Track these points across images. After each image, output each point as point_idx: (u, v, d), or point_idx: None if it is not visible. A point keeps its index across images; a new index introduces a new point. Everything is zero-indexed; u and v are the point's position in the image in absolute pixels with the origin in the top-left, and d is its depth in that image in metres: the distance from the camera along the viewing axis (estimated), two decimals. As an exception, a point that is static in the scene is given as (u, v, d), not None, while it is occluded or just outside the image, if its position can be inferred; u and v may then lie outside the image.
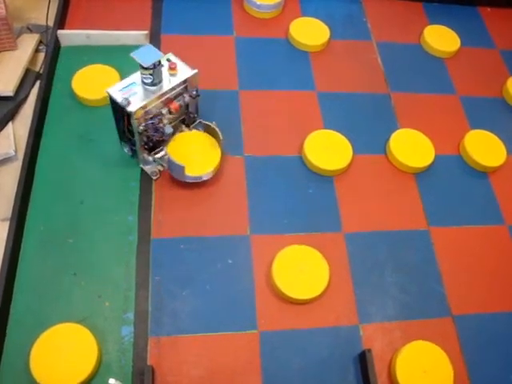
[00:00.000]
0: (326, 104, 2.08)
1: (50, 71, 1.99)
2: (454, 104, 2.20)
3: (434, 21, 2.48)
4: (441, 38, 2.38)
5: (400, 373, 1.50)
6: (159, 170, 1.78)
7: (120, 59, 2.06)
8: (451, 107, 2.19)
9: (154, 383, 1.42)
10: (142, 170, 1.80)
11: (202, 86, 2.04)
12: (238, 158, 1.88)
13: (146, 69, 1.53)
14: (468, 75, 2.32)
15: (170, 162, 1.66)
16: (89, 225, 1.68)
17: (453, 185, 1.95)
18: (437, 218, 1.85)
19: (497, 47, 2.47)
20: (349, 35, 2.37)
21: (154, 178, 1.76)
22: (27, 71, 2.03)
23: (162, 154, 1.77)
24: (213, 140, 1.80)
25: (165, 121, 1.67)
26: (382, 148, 2.00)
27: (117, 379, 1.40)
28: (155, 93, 1.59)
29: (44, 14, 2.15)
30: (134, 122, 1.57)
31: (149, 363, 1.46)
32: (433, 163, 1.96)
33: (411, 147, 1.97)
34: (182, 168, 1.65)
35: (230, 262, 1.65)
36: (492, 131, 2.10)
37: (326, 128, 1.99)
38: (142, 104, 1.55)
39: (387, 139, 1.99)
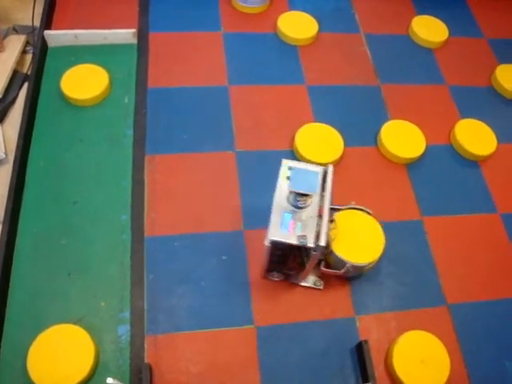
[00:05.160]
0: (316, 97, 2.08)
1: (37, 72, 1.97)
2: (443, 94, 2.21)
3: (422, 11, 2.48)
4: (429, 29, 2.38)
5: (397, 363, 1.51)
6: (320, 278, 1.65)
7: (108, 58, 2.06)
8: (441, 97, 2.20)
9: (151, 381, 1.42)
10: (134, 167, 1.80)
11: (192, 82, 2.05)
12: (230, 153, 1.88)
13: (306, 195, 1.35)
14: (457, 65, 2.33)
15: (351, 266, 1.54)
16: (82, 225, 1.67)
17: (444, 174, 1.96)
18: (429, 208, 1.85)
19: (485, 36, 2.48)
20: (337, 28, 2.36)
21: (321, 287, 1.64)
22: (15, 73, 2.01)
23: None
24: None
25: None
26: (373, 140, 2.00)
27: (115, 378, 1.40)
28: (313, 212, 1.39)
29: (30, 15, 2.14)
30: (318, 254, 1.38)
31: (146, 361, 1.46)
32: (424, 153, 1.97)
33: (402, 138, 1.97)
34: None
35: (224, 258, 1.65)
36: (482, 120, 2.10)
37: (316, 121, 1.98)
38: (315, 232, 1.36)
39: (378, 131, 2.00)
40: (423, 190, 1.90)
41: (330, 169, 1.46)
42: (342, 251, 1.55)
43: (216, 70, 2.10)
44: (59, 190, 1.74)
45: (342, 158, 1.91)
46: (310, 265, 1.47)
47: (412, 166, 1.96)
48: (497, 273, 1.75)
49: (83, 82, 1.93)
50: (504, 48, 2.43)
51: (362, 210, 1.66)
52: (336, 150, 1.90)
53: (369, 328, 1.60)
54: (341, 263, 1.56)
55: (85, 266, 1.60)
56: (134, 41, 2.12)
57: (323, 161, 1.86)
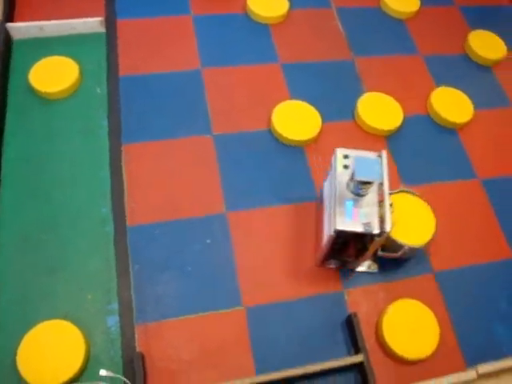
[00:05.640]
0: (291, 75, 2.07)
1: (4, 67, 1.92)
2: (417, 64, 2.21)
3: (392, -18, 2.47)
4: (399, -1, 2.38)
5: (387, 332, 1.52)
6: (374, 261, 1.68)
7: (77, 49, 2.02)
8: (415, 67, 2.20)
9: (144, 370, 1.42)
10: (111, 157, 1.77)
11: (164, 68, 2.02)
12: (207, 137, 1.86)
13: (368, 183, 1.38)
14: (429, 34, 2.32)
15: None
16: (62, 220, 1.65)
17: (423, 143, 1.97)
18: (410, 177, 1.86)
19: (455, 3, 2.48)
20: (308, 4, 2.34)
21: (376, 270, 1.67)
22: (-19, 69, 1.97)
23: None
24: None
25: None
26: (351, 114, 2.00)
27: (108, 370, 1.40)
28: (373, 198, 1.43)
29: (-9, 9, 2.08)
30: (381, 239, 1.42)
31: (138, 351, 1.45)
32: (402, 124, 1.97)
33: (379, 110, 1.97)
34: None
35: (208, 241, 1.64)
36: (457, 87, 2.11)
37: (292, 99, 1.97)
38: (378, 218, 1.40)
39: (355, 104, 1.99)
40: (403, 160, 1.90)
41: (384, 154, 1.48)
42: (398, 235, 1.56)
43: (187, 53, 2.07)
44: (36, 187, 1.71)
45: (320, 133, 1.90)
46: (371, 250, 1.49)
47: (391, 137, 1.96)
48: (479, 237, 1.77)
49: (53, 75, 1.89)
50: (475, 14, 2.43)
51: (408, 192, 1.68)
52: (314, 126, 1.89)
53: (357, 301, 1.61)
54: (397, 246, 1.58)
55: (69, 260, 1.59)
56: (102, 29, 2.08)
57: (302, 138, 1.85)
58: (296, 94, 2.00)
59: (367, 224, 1.37)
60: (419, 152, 1.94)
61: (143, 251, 1.61)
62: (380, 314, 1.58)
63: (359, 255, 1.54)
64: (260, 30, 2.20)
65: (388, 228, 1.36)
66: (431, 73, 2.18)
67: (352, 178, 1.38)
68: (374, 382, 1.45)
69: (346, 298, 1.61)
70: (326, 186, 1.60)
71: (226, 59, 2.08)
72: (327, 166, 1.82)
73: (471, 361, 1.55)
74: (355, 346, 1.51)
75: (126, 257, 1.60)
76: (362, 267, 1.66)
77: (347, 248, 1.50)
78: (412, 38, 2.29)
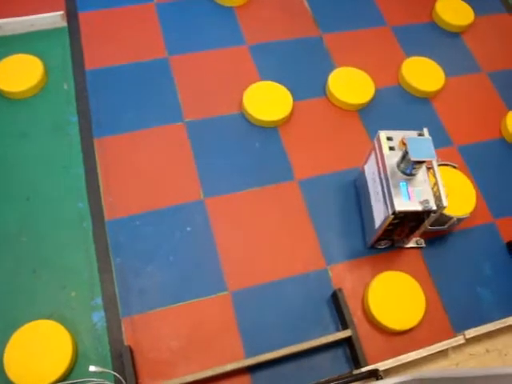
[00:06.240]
0: (259, 56, 2.05)
1: (-35, 70, 1.88)
2: (386, 35, 2.20)
3: (355, -45, 2.44)
4: (364, -29, 2.35)
5: (373, 304, 1.53)
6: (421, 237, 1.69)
7: (40, 45, 1.98)
8: (384, 39, 2.19)
9: (134, 363, 1.42)
10: (84, 153, 1.75)
11: (131, 58, 1.99)
12: (179, 124, 1.84)
13: (421, 162, 1.41)
14: (396, 4, 2.31)
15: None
16: (39, 220, 1.63)
17: (397, 114, 1.97)
18: (386, 150, 1.86)
19: (420, -28, 2.46)
20: (272, -18, 2.31)
21: (423, 245, 1.67)
22: None
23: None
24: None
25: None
26: (322, 90, 1.99)
27: (97, 366, 1.40)
28: (424, 176, 1.47)
29: None
30: (436, 214, 1.45)
31: (126, 344, 1.45)
32: (374, 97, 1.97)
33: (350, 85, 1.96)
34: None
35: (188, 229, 1.63)
36: (427, 56, 2.11)
37: (262, 80, 1.96)
38: (432, 194, 1.44)
39: (325, 81, 1.98)
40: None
41: (426, 131, 1.50)
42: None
43: (153, 42, 2.04)
44: (10, 188, 1.68)
45: (292, 112, 1.89)
46: (424, 226, 1.52)
47: (363, 110, 1.95)
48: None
49: (17, 74, 1.85)
50: (441, -18, 2.42)
51: (447, 165, 1.70)
52: (285, 105, 1.88)
53: (342, 277, 1.62)
54: (444, 219, 1.60)
55: (49, 259, 1.57)
56: (64, 23, 2.04)
57: (274, 118, 1.84)
58: (265, 75, 1.98)
59: (424, 202, 1.42)
60: (393, 123, 1.90)
61: (124, 244, 1.60)
62: (365, 287, 1.59)
63: (410, 233, 1.57)
64: (225, 12, 2.17)
65: (445, 203, 1.40)
66: (400, 43, 2.18)
67: (404, 159, 1.41)
68: (363, 355, 1.46)
69: (331, 274, 1.61)
70: (368, 169, 1.62)
71: (192, 45, 2.05)
72: (302, 144, 1.84)
73: (458, 327, 1.57)
74: (342, 321, 1.52)
75: (107, 251, 1.59)
76: (411, 243, 1.68)
77: (400, 227, 1.52)
78: (379, 10, 2.28)
